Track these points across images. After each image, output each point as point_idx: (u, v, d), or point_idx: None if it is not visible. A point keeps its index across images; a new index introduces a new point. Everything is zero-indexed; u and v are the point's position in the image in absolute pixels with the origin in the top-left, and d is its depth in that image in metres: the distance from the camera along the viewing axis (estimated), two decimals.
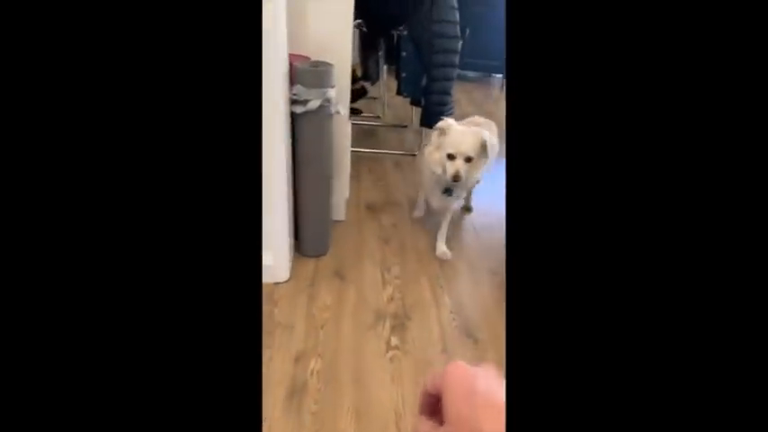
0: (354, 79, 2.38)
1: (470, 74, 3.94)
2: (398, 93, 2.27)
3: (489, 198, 1.80)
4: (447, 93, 1.82)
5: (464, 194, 1.35)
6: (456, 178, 1.12)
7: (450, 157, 1.13)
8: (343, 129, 1.30)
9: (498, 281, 1.27)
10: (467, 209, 1.63)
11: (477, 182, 1.29)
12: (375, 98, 2.88)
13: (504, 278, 1.38)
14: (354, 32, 2.30)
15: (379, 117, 2.61)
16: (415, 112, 2.37)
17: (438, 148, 1.17)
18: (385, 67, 2.42)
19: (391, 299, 1.14)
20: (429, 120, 1.89)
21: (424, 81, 1.85)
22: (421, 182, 1.34)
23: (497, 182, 1.91)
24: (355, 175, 1.83)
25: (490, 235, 1.51)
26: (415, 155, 2.12)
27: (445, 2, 1.69)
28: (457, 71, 1.81)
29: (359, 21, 2.03)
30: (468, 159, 1.13)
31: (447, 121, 1.17)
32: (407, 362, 0.96)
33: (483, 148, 1.14)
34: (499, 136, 1.39)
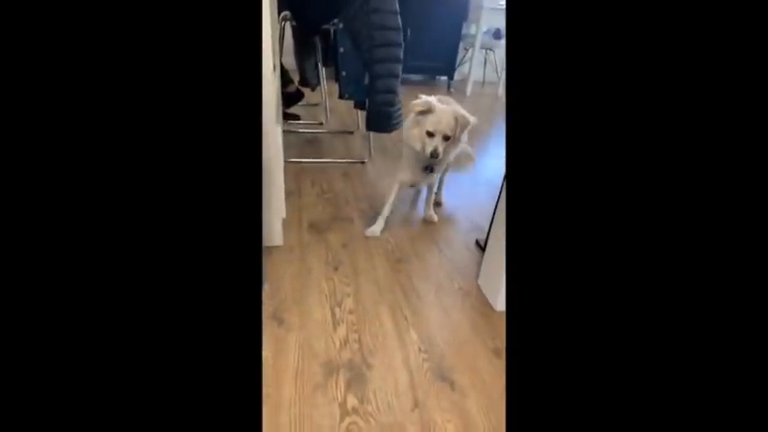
0: (285, 81, 2.14)
1: (414, 77, 3.84)
2: (341, 96, 2.05)
3: (449, 211, 1.62)
4: (392, 91, 1.63)
5: (443, 169, 1.40)
6: (434, 155, 1.16)
7: (429, 134, 1.17)
8: (271, 134, 1.06)
9: (470, 303, 1.08)
10: (437, 203, 1.59)
11: (472, 160, 1.39)
12: (316, 104, 2.65)
13: (477, 299, 1.05)
14: (286, 32, 2.07)
15: (321, 124, 2.38)
16: (361, 117, 2.16)
17: (417, 124, 1.20)
18: (324, 70, 2.20)
19: (345, 342, 0.91)
20: (376, 123, 1.69)
21: (366, 79, 1.66)
22: (402, 164, 1.35)
23: (455, 193, 1.75)
24: (295, 190, 1.59)
25: (453, 252, 1.33)
26: (364, 162, 1.91)
27: None
28: (401, 67, 1.63)
29: (286, 12, 1.80)
30: (447, 138, 1.18)
31: (428, 99, 1.18)
32: (371, 430, 0.73)
33: (460, 126, 1.18)
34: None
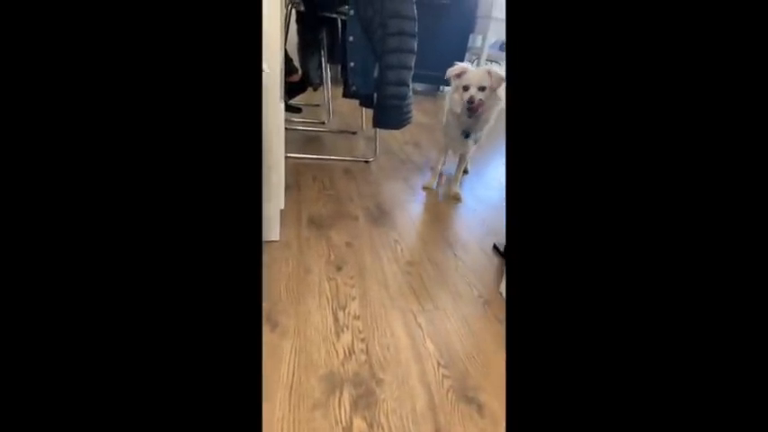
0: (289, 70, 2.02)
1: (419, 86, 3.78)
2: (345, 95, 1.93)
3: (462, 213, 1.50)
4: (405, 83, 1.52)
5: (479, 137, 1.49)
6: (471, 101, 1.32)
7: (465, 88, 1.34)
8: (272, 107, 0.93)
9: (493, 314, 0.94)
10: (465, 171, 1.74)
11: (488, 122, 1.43)
12: (317, 105, 2.55)
13: (500, 309, 0.82)
14: (291, 25, 1.97)
15: (323, 123, 2.26)
16: (366, 116, 2.06)
17: (456, 89, 1.37)
18: (328, 68, 2.10)
19: (350, 352, 0.76)
20: (385, 117, 1.57)
21: (376, 72, 1.55)
22: (444, 130, 1.53)
23: (467, 196, 1.63)
24: (294, 184, 1.45)
25: (469, 257, 1.19)
26: (368, 161, 1.79)
27: None
28: (414, 58, 1.53)
29: None
30: (482, 89, 1.32)
31: (462, 64, 1.36)
32: None
33: (494, 79, 1.32)
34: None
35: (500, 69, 1.35)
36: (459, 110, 1.37)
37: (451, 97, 1.41)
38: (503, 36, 3.53)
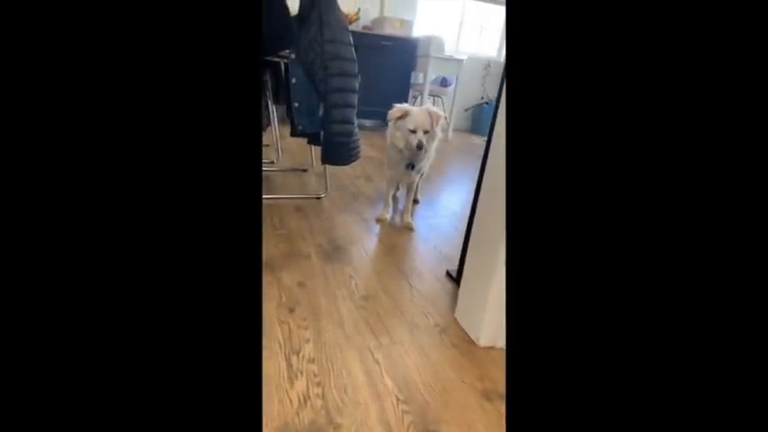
0: None
1: (367, 122, 3.89)
2: (293, 134, 1.95)
3: (414, 242, 1.52)
4: (349, 121, 1.57)
5: (423, 168, 1.59)
6: (420, 146, 1.41)
7: (412, 132, 1.42)
8: None
9: (449, 340, 0.94)
10: (415, 200, 1.81)
11: (428, 153, 1.52)
12: (267, 145, 2.54)
13: (456, 335, 1.01)
14: None
15: (273, 162, 2.25)
16: (315, 154, 2.08)
17: (398, 128, 1.45)
18: (275, 109, 2.12)
19: (305, 400, 0.73)
20: (333, 154, 1.60)
21: (321, 111, 1.58)
22: (388, 164, 1.61)
23: (418, 225, 1.67)
24: None
25: (424, 285, 1.21)
26: (320, 197, 1.79)
27: (337, 22, 1.49)
28: (357, 98, 1.58)
29: None
30: (426, 131, 1.42)
31: (402, 106, 1.43)
32: None
33: (434, 119, 1.43)
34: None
35: (436, 108, 1.48)
36: (401, 145, 1.45)
37: (393, 134, 1.48)
38: (441, 72, 3.77)
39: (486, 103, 4.36)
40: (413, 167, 1.52)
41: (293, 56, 1.52)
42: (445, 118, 1.52)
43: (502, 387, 0.81)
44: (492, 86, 4.42)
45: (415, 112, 1.42)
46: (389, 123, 1.49)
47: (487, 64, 4.48)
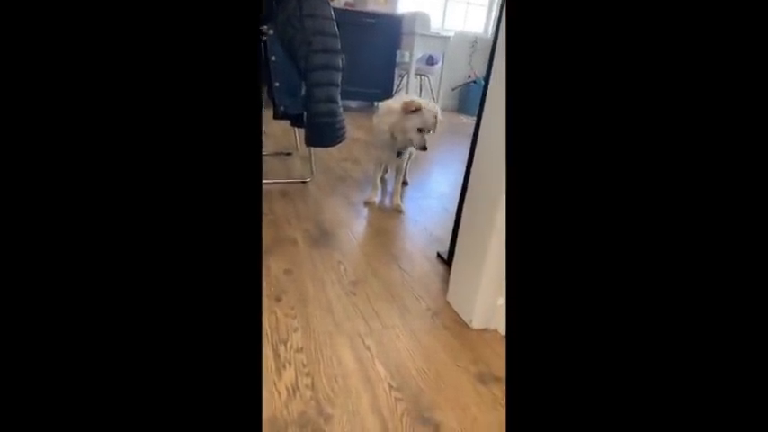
0: None
1: (352, 103, 3.80)
2: (276, 116, 1.88)
3: (404, 224, 1.49)
4: (334, 101, 1.51)
5: (412, 152, 1.59)
6: (424, 148, 1.41)
7: (420, 130, 1.40)
8: None
9: (442, 323, 0.92)
10: (404, 182, 1.76)
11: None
12: None
13: (449, 318, 0.98)
14: None
15: None
16: (299, 136, 2.01)
17: (408, 120, 1.39)
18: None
19: (294, 390, 0.70)
20: (318, 136, 1.54)
21: (303, 90, 1.52)
22: (377, 146, 1.56)
23: (408, 207, 1.63)
24: None
25: (414, 268, 1.18)
26: (306, 181, 1.74)
27: None
28: (341, 76, 1.52)
29: None
30: (429, 131, 1.43)
31: (418, 100, 1.39)
32: None
33: (437, 120, 1.43)
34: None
35: (436, 107, 1.45)
36: (401, 137, 1.42)
37: (396, 124, 1.42)
38: (428, 50, 3.67)
39: (474, 82, 4.29)
40: (401, 155, 1.52)
41: (271, 32, 1.44)
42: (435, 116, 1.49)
43: (496, 369, 0.79)
44: (479, 64, 4.33)
45: (425, 111, 1.39)
46: (380, 105, 1.46)
47: (474, 41, 4.38)
